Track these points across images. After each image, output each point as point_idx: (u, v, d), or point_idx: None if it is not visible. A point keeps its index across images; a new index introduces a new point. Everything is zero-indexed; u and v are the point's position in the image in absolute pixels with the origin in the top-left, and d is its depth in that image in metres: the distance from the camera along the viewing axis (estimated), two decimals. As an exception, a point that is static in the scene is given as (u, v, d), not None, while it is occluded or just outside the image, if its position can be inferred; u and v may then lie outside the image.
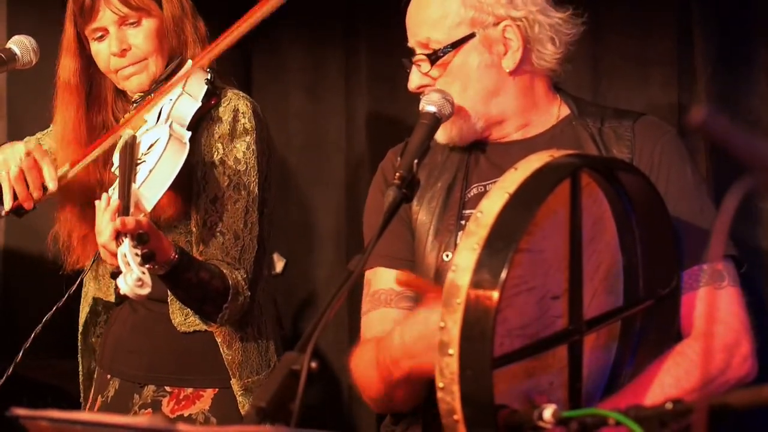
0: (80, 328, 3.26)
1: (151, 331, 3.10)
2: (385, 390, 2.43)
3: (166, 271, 2.75)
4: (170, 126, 2.84)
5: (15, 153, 2.92)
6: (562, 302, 2.19)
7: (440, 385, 1.99)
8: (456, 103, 2.56)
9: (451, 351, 1.97)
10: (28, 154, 2.90)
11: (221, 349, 3.04)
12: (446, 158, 2.69)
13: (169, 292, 3.00)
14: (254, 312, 3.10)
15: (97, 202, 2.70)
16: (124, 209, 2.61)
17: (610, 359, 2.39)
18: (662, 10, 3.60)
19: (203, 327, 3.04)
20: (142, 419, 2.64)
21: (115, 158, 2.93)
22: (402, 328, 2.35)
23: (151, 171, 2.71)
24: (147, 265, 2.52)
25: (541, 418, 1.94)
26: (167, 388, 3.07)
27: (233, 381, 3.04)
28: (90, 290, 3.21)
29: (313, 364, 1.88)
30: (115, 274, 2.52)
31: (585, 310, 2.20)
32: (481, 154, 2.67)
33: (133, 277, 2.45)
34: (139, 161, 2.77)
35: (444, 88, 2.55)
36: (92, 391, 3.23)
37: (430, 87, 2.58)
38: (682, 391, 2.29)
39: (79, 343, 3.28)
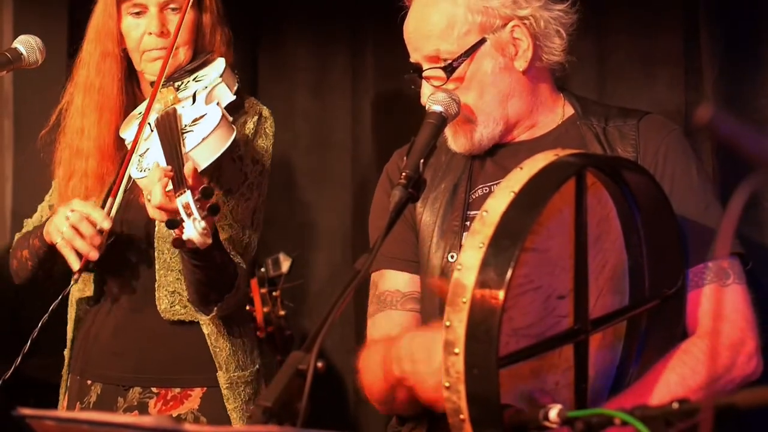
0: (68, 344, 3.22)
1: (136, 331, 3.09)
2: (388, 389, 2.42)
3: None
4: (218, 104, 2.89)
5: (60, 217, 2.92)
6: (567, 302, 2.19)
7: (446, 384, 1.99)
8: (473, 110, 2.56)
9: (456, 350, 1.97)
10: (72, 210, 2.90)
11: (209, 342, 3.04)
12: (450, 159, 2.68)
13: (157, 278, 3.03)
14: (238, 313, 3.12)
15: (140, 176, 2.77)
16: (177, 171, 2.65)
17: (615, 359, 2.39)
18: (669, 10, 3.60)
19: (188, 317, 3.04)
20: (148, 419, 2.63)
21: (127, 134, 2.99)
22: (411, 343, 2.31)
23: (204, 138, 2.75)
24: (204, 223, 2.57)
25: (546, 417, 1.94)
26: (154, 389, 3.07)
27: (219, 374, 3.04)
28: (74, 296, 3.19)
29: (320, 364, 1.88)
30: (171, 222, 2.58)
31: (591, 309, 2.20)
32: (486, 155, 2.66)
33: (201, 224, 2.53)
34: (184, 131, 2.80)
35: (461, 98, 2.53)
36: (66, 399, 3.20)
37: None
38: (688, 390, 2.29)
39: (66, 359, 3.24)
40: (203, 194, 2.58)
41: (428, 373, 2.23)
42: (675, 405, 1.81)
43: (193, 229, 2.54)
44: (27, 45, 2.99)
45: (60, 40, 4.17)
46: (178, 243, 2.59)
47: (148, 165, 2.80)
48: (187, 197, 2.58)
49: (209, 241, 2.59)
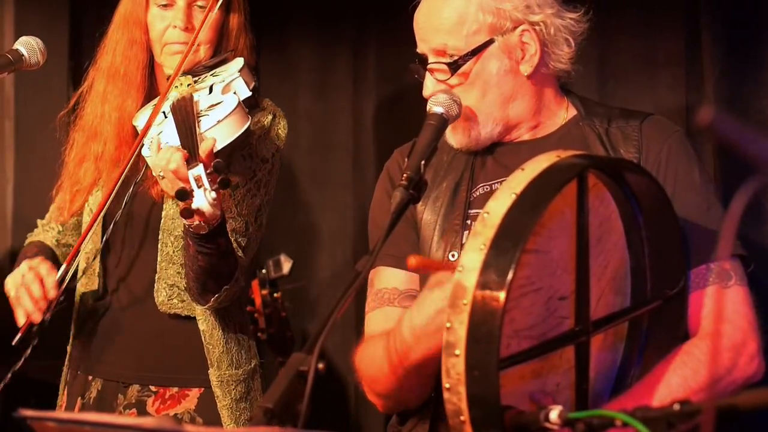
0: (71, 339, 3.23)
1: (137, 329, 3.10)
2: (396, 383, 2.42)
3: (211, 228, 2.76)
4: (235, 93, 2.92)
5: (18, 273, 2.99)
6: (569, 303, 2.19)
7: (446, 385, 1.99)
8: (474, 109, 2.56)
9: (457, 351, 1.97)
10: (30, 268, 2.96)
11: (203, 338, 3.05)
12: (452, 158, 2.69)
13: (158, 270, 3.04)
14: (236, 311, 3.13)
15: (148, 151, 2.81)
16: (191, 148, 2.69)
17: (617, 360, 2.39)
18: (670, 11, 3.60)
19: (184, 311, 3.05)
20: (149, 420, 2.64)
21: (140, 122, 3.01)
22: (410, 314, 2.34)
23: (219, 121, 2.79)
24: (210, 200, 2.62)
25: (547, 419, 1.94)
26: (152, 388, 3.07)
27: (211, 371, 3.05)
28: (79, 291, 3.20)
29: (321, 366, 1.88)
30: (182, 192, 2.62)
31: (592, 310, 2.20)
32: (488, 154, 2.67)
33: (212, 195, 2.61)
34: (199, 115, 2.83)
35: (462, 95, 2.54)
36: (66, 395, 3.20)
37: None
38: (689, 391, 2.29)
39: (68, 353, 3.25)
40: (215, 168, 2.64)
41: (418, 315, 2.28)
42: (676, 406, 1.81)
43: (204, 199, 2.61)
44: (28, 46, 3.00)
45: (61, 41, 4.18)
46: (187, 213, 2.63)
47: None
48: (199, 170, 2.64)
49: (218, 213, 2.66)
